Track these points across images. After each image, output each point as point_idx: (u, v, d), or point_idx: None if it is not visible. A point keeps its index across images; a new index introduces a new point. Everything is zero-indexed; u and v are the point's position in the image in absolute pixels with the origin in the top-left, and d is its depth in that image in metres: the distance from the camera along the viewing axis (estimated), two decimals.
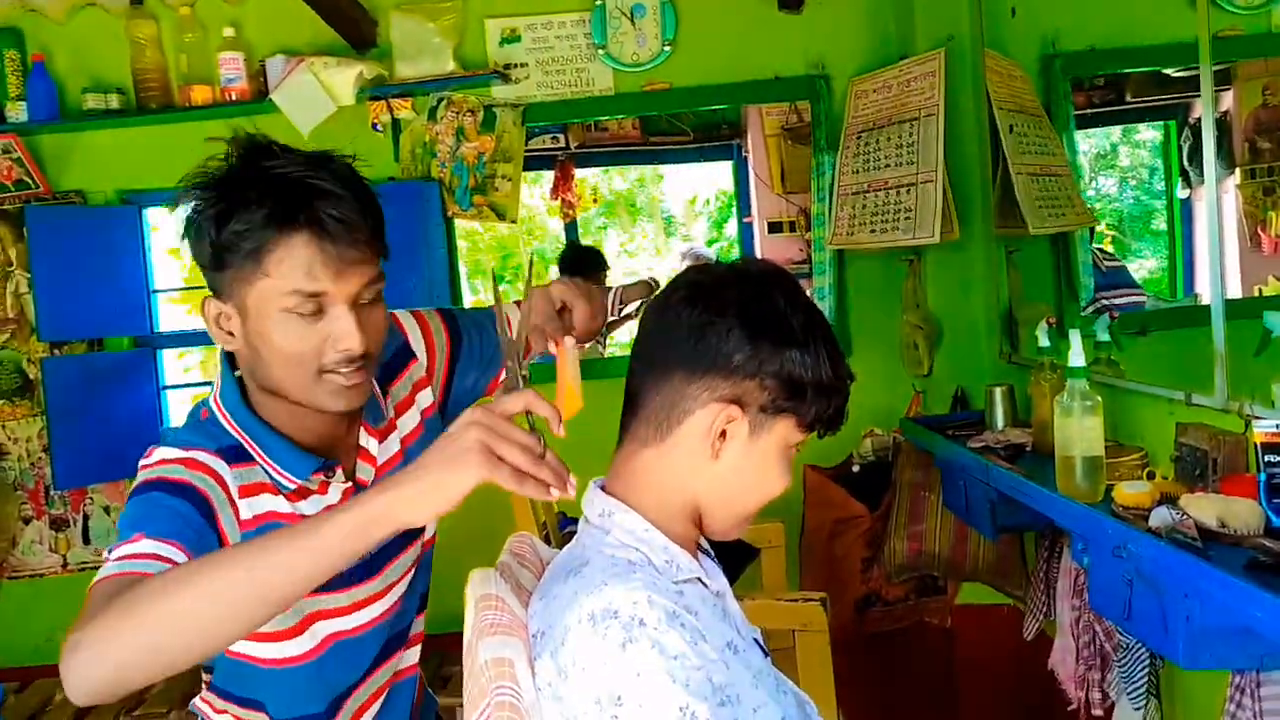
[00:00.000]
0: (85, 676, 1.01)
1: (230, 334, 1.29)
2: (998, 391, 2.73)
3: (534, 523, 2.25)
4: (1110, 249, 3.28)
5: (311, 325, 1.25)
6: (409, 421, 1.50)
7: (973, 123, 3.21)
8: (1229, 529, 1.59)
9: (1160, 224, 3.30)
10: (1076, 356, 1.97)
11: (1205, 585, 1.50)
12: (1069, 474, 1.97)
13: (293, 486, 1.32)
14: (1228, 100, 2.49)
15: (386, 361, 1.47)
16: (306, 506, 1.34)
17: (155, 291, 3.65)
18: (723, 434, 1.18)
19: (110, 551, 1.17)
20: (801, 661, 2.01)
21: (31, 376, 3.56)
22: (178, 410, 3.71)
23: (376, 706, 1.53)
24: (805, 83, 3.46)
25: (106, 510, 3.62)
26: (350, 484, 1.40)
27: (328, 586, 1.19)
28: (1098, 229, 3.34)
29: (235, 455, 1.31)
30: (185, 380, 4.87)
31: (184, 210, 1.27)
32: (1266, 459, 1.60)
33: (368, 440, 1.42)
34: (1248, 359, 1.94)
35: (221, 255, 1.25)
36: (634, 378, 1.25)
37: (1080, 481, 1.96)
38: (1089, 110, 3.42)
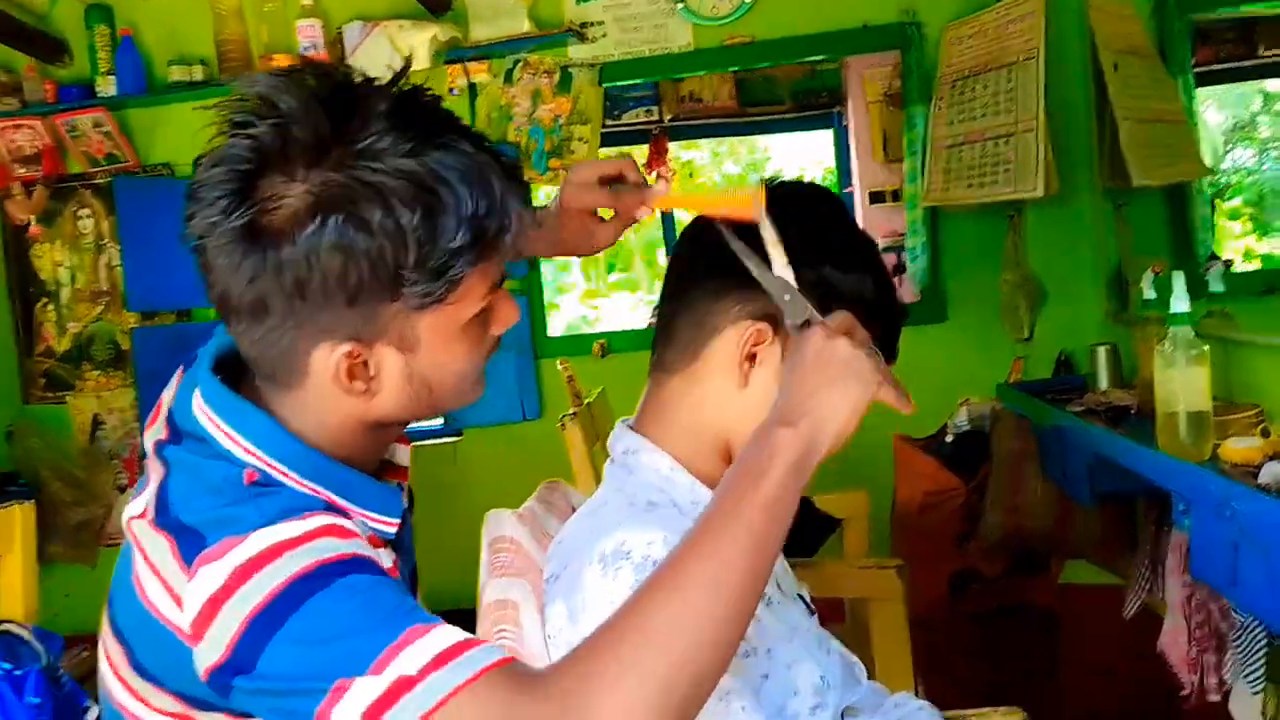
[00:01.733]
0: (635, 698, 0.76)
1: (366, 388, 0.92)
2: (1101, 351, 2.53)
3: (594, 482, 2.16)
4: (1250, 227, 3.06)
5: (485, 323, 0.97)
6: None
7: (1077, 67, 2.99)
8: None
9: None
10: (1180, 301, 1.79)
11: None
12: (1171, 430, 1.79)
13: (394, 533, 0.99)
14: None
15: None
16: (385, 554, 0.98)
17: None
18: (752, 356, 1.06)
19: (362, 681, 0.77)
20: (876, 631, 1.87)
21: (124, 348, 3.64)
22: None
23: None
24: (896, 30, 3.29)
25: None
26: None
27: None
28: (1233, 205, 3.10)
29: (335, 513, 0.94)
30: None
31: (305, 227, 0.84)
32: None
33: (399, 450, 1.11)
34: None
35: (404, 291, 0.87)
36: (663, 301, 1.14)
37: (1184, 438, 1.78)
38: (1215, 66, 3.17)
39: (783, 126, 5.78)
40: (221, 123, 0.87)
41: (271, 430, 0.92)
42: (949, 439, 3.09)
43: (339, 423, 0.95)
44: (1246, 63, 3.24)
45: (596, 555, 0.99)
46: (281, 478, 0.91)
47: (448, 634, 0.80)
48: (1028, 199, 2.95)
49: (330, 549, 0.85)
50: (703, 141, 7.32)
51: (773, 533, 0.84)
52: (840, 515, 2.57)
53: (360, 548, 0.87)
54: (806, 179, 1.19)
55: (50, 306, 3.71)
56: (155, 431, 0.97)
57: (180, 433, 0.94)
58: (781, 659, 1.04)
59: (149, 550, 0.88)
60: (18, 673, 1.33)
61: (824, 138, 5.94)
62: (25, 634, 1.70)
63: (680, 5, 3.32)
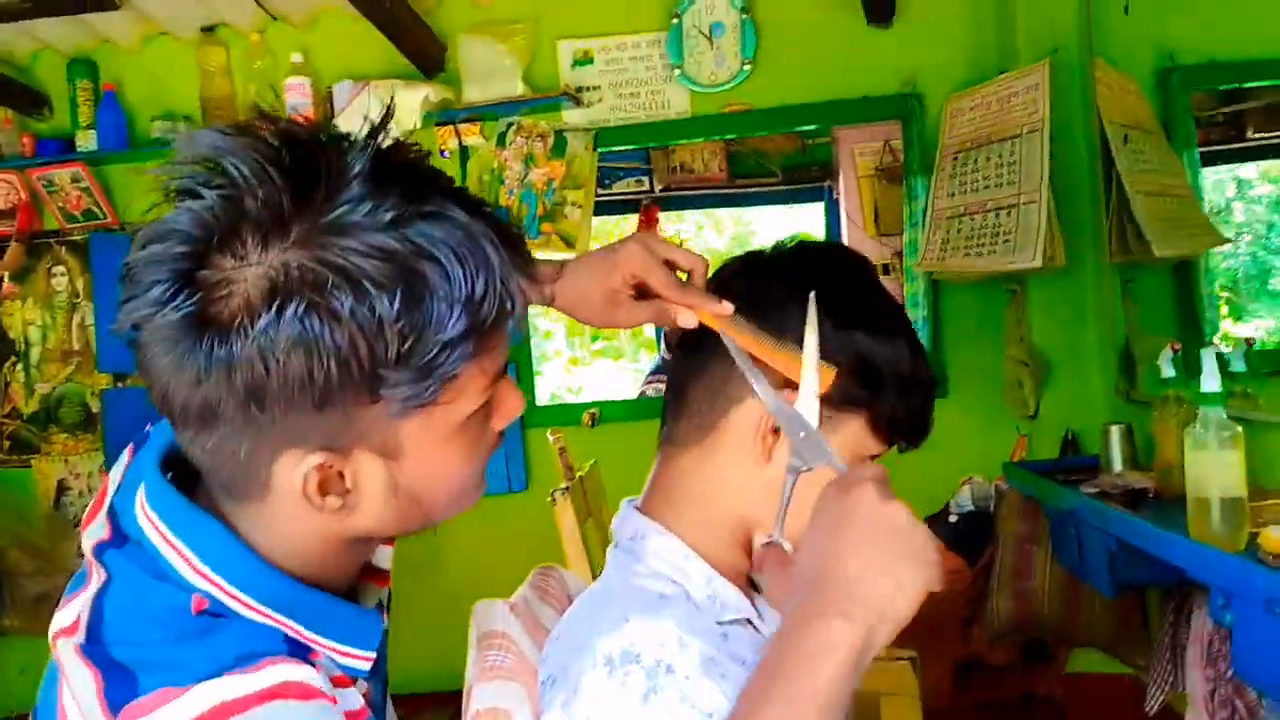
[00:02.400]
0: None
1: (342, 503, 0.77)
2: (1115, 430, 2.44)
3: (587, 565, 2.04)
4: (1224, 311, 3.00)
5: (486, 418, 0.83)
6: None
7: (1081, 141, 2.95)
8: None
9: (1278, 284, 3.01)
10: (1211, 380, 1.70)
11: None
12: (1204, 517, 1.69)
13: (367, 669, 0.83)
14: None
15: None
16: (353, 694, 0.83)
17: None
18: (775, 429, 0.95)
19: None
20: None
21: (94, 410, 3.50)
22: None
23: None
24: (896, 102, 3.24)
25: None
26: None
27: None
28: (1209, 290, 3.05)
29: (297, 652, 0.77)
30: None
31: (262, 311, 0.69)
32: None
33: (381, 551, 0.95)
34: None
35: (385, 394, 0.72)
36: (675, 367, 1.03)
37: (1218, 526, 1.68)
38: (1204, 148, 3.15)
39: (773, 199, 5.77)
40: (162, 190, 0.71)
41: (226, 547, 0.76)
42: (952, 518, 2.98)
43: (310, 541, 0.79)
44: (1235, 145, 3.21)
45: (601, 657, 0.87)
46: (237, 605, 0.75)
47: None
48: (1029, 272, 2.89)
49: (285, 717, 0.70)
50: (688, 213, 7.32)
51: None
52: None
53: (321, 713, 0.73)
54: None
55: (19, 366, 3.57)
56: (96, 529, 0.81)
57: (123, 535, 0.79)
58: None
59: (72, 681, 0.73)
60: None
61: (814, 211, 5.93)
62: None
63: (678, 72, 3.27)
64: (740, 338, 0.94)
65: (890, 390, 0.96)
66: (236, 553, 0.76)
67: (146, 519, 0.77)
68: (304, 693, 0.72)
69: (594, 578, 1.81)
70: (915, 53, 3.23)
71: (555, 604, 1.14)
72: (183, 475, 0.79)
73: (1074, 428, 2.95)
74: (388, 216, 0.69)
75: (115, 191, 3.50)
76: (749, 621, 1.00)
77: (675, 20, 3.25)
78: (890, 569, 0.75)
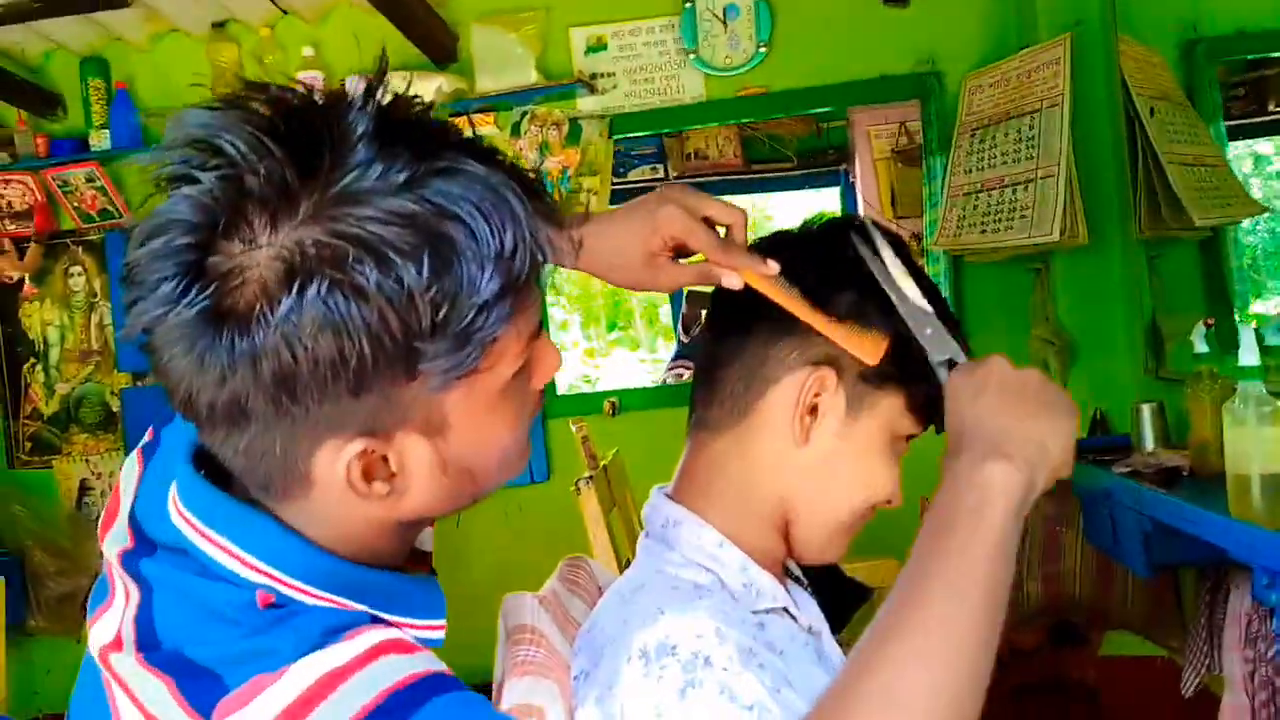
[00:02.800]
0: None
1: (390, 489, 0.71)
2: (1146, 409, 2.39)
3: (612, 553, 2.01)
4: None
5: (526, 379, 0.77)
6: None
7: (1105, 116, 2.89)
8: None
9: None
10: (1249, 354, 1.65)
11: None
12: (1244, 495, 1.65)
13: (442, 638, 0.78)
14: None
15: None
16: None
17: None
18: (813, 409, 0.93)
19: None
20: None
21: (114, 409, 3.50)
22: None
23: None
24: (914, 81, 3.20)
25: None
26: None
27: None
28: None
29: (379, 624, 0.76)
30: None
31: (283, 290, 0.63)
32: None
33: (425, 533, 0.90)
34: None
35: (419, 370, 0.67)
36: (705, 350, 1.01)
37: (1259, 504, 1.63)
38: (1226, 122, 3.10)
39: (789, 184, 5.72)
40: (154, 181, 0.66)
41: (278, 540, 0.71)
42: None
43: (361, 528, 0.74)
44: (1256, 119, 3.16)
45: (636, 650, 0.85)
46: (303, 597, 0.70)
47: None
48: (1054, 250, 2.84)
49: (397, 671, 0.65)
50: None
51: (1003, 584, 0.74)
52: (872, 585, 2.42)
53: (431, 663, 0.68)
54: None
55: (38, 367, 3.58)
56: (117, 537, 0.76)
57: (153, 544, 0.74)
58: None
59: (139, 693, 0.67)
60: None
61: (830, 195, 5.88)
62: None
63: (692, 56, 3.24)
64: (786, 300, 0.92)
65: (927, 370, 0.94)
66: (291, 544, 0.71)
67: (184, 520, 0.72)
68: (405, 647, 0.69)
69: (620, 567, 1.79)
70: (932, 31, 3.18)
71: (585, 596, 1.12)
72: (215, 475, 0.74)
73: (1102, 406, 2.91)
74: (401, 178, 0.64)
75: (130, 190, 3.49)
76: (787, 611, 0.97)
77: (689, 4, 3.22)
78: (1037, 418, 0.78)
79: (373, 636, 0.67)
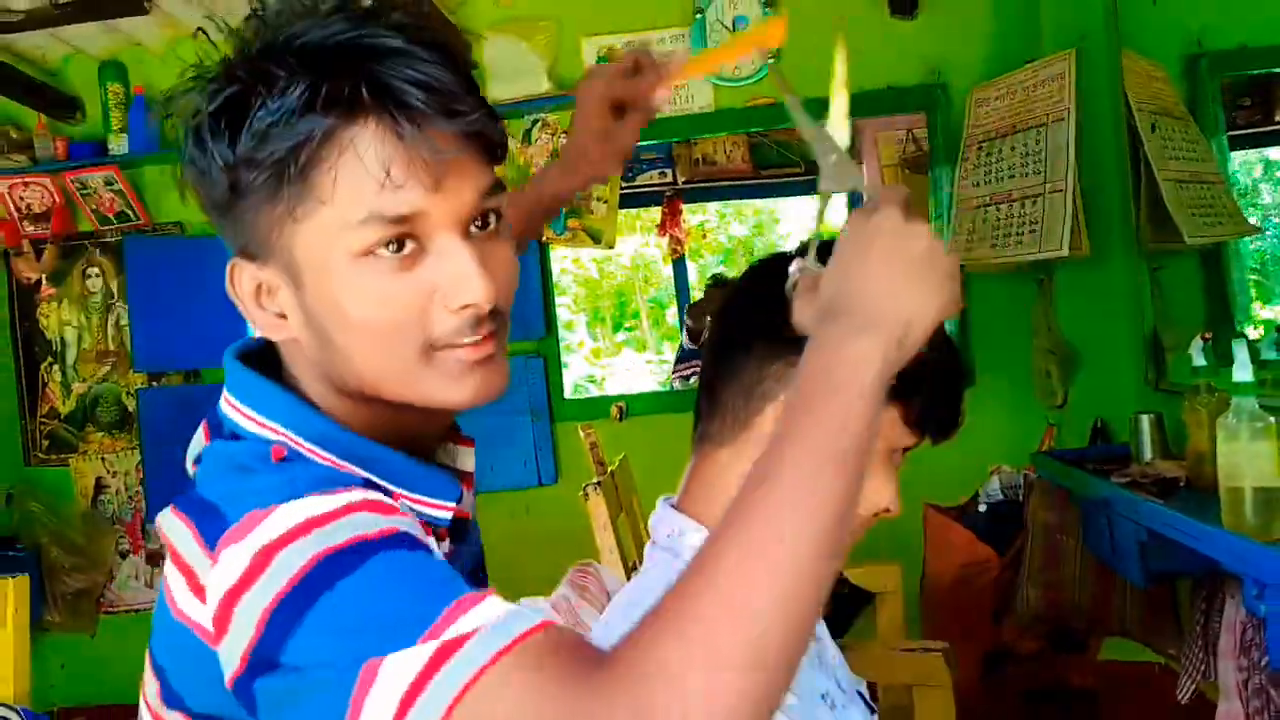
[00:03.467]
0: (716, 689, 0.59)
1: (280, 315, 0.79)
2: (1145, 420, 2.43)
3: (619, 558, 2.05)
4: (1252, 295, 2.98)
5: (405, 273, 0.76)
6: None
7: (1109, 130, 2.93)
8: None
9: None
10: (1243, 370, 1.69)
11: None
12: (1237, 508, 1.69)
13: (449, 518, 0.84)
14: None
15: None
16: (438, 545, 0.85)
17: None
18: None
19: (397, 652, 0.63)
20: None
21: (130, 409, 3.55)
22: None
23: None
24: (921, 92, 3.24)
25: None
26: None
27: None
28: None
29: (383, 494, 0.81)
30: None
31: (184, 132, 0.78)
32: None
33: (460, 452, 0.93)
34: None
35: (240, 178, 0.74)
36: (706, 368, 1.05)
37: (1251, 516, 1.68)
38: (1232, 132, 3.13)
39: (796, 189, 5.74)
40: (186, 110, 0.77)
41: (296, 406, 0.80)
42: (981, 508, 2.98)
43: (351, 406, 0.81)
44: (1263, 129, 3.19)
45: None
46: (312, 457, 0.78)
47: (499, 604, 0.65)
48: (1057, 262, 2.88)
49: (368, 524, 0.70)
50: (711, 204, 7.31)
51: (861, 464, 0.69)
52: (873, 590, 2.46)
53: (404, 523, 0.72)
54: None
55: (56, 366, 3.63)
56: (195, 445, 0.85)
57: (212, 431, 0.84)
58: None
59: (174, 541, 0.75)
60: None
61: (838, 200, 5.90)
62: (14, 717, 1.59)
63: None
64: (708, 57, 1.04)
65: (922, 384, 0.98)
66: (305, 411, 0.80)
67: (227, 402, 0.82)
68: (384, 508, 0.72)
69: (627, 573, 1.83)
70: (939, 43, 3.22)
71: (594, 602, 1.16)
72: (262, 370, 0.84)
73: (1103, 417, 2.95)
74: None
75: (147, 193, 3.54)
76: None
77: (699, 15, 3.26)
78: (912, 294, 0.72)
79: (356, 494, 0.72)
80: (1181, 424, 2.25)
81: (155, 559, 3.57)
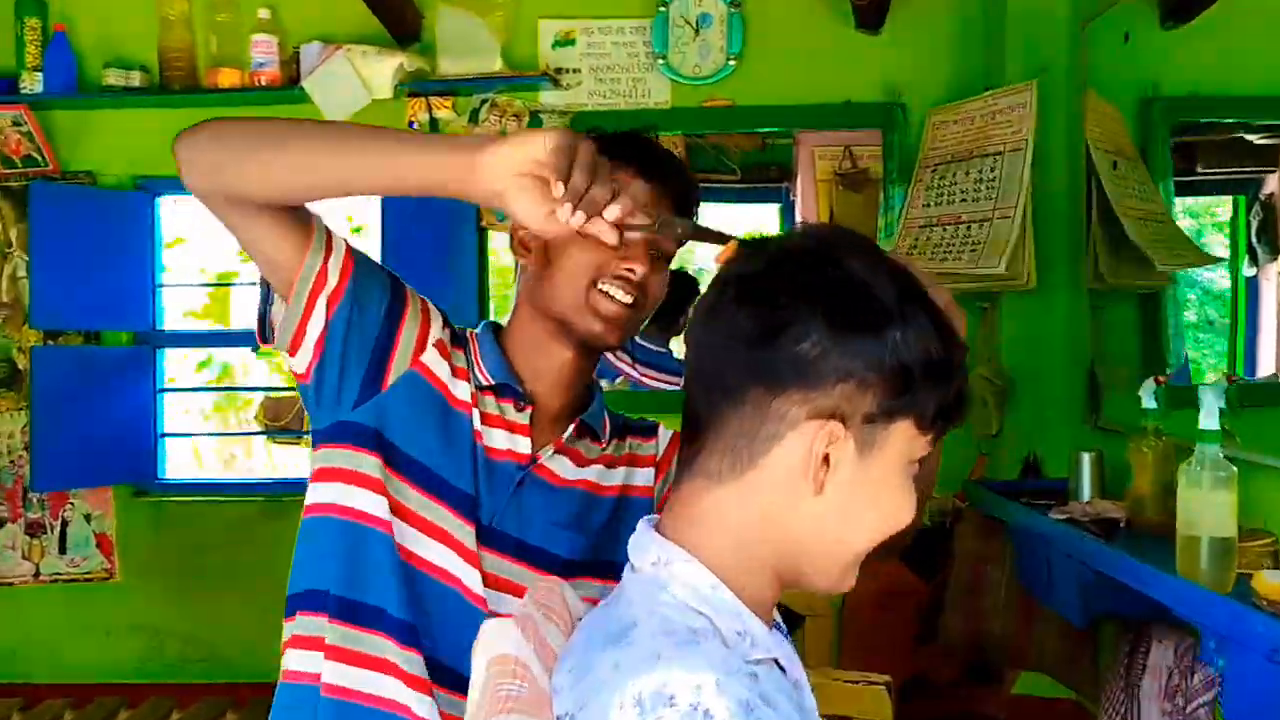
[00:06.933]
0: (197, 151, 1.10)
1: (527, 249, 1.30)
2: (1086, 457, 2.42)
3: None
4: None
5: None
6: (609, 476, 1.36)
7: (1062, 164, 2.93)
8: None
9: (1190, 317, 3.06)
10: (1209, 418, 1.67)
11: None
12: (1192, 556, 1.67)
13: (486, 383, 1.28)
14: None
15: (630, 421, 1.42)
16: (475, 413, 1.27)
17: (160, 286, 3.41)
18: (827, 458, 0.89)
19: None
20: None
21: (21, 367, 3.31)
22: (175, 416, 3.44)
23: None
24: (879, 109, 3.21)
25: (88, 518, 3.34)
26: (526, 450, 1.29)
27: None
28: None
29: (457, 341, 1.31)
30: (189, 384, 4.49)
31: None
32: None
33: (574, 440, 1.32)
34: None
35: None
36: (695, 402, 0.96)
37: (1206, 566, 1.66)
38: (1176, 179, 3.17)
39: (730, 196, 5.70)
40: None
41: (489, 329, 1.37)
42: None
43: (526, 316, 1.35)
44: (1185, 179, 3.25)
45: (630, 697, 0.80)
46: (467, 334, 1.38)
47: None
48: (1002, 290, 2.87)
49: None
50: None
51: (369, 185, 1.14)
52: (802, 613, 2.41)
53: (410, 291, 1.33)
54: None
55: None
56: None
57: None
58: None
59: None
60: None
61: (770, 211, 5.89)
62: None
63: (661, 61, 3.20)
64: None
65: (928, 383, 0.90)
66: (490, 330, 1.36)
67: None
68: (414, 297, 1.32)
69: None
70: (902, 63, 3.19)
71: (559, 622, 1.06)
72: None
73: (1036, 450, 2.95)
74: None
75: (59, 137, 3.31)
76: (775, 662, 0.94)
77: (662, 8, 3.18)
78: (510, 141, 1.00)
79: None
80: (1121, 463, 2.25)
81: (35, 529, 3.34)
